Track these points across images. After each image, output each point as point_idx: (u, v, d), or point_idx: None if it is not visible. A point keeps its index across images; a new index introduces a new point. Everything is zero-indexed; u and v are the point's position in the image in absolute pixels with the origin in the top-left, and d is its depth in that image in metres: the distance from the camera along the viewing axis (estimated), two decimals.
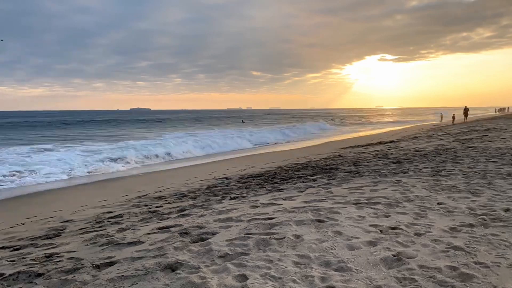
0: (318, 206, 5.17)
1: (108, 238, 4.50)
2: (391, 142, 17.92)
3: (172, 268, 3.30)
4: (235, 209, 5.53)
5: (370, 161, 10.45)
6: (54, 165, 15.39)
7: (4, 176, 13.19)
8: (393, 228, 4.15)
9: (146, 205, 7.02)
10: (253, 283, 2.90)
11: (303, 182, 7.95)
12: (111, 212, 6.73)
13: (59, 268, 3.56)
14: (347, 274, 3.06)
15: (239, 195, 7.10)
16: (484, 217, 4.51)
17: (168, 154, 20.20)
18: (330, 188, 6.80)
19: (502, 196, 5.55)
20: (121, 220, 5.81)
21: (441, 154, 10.62)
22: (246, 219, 4.72)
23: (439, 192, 5.92)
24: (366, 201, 5.41)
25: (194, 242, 4.00)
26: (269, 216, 4.76)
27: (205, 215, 5.34)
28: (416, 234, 3.97)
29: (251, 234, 4.09)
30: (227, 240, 3.92)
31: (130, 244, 4.17)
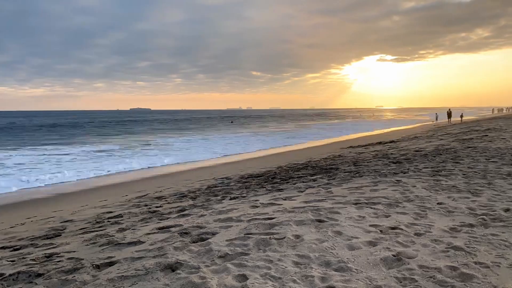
0: (318, 206, 5.17)
1: (108, 238, 4.50)
2: (391, 142, 17.92)
3: (172, 268, 3.30)
4: (235, 209, 5.52)
5: (370, 161, 10.45)
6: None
7: None
8: (393, 228, 4.15)
9: (146, 205, 7.02)
10: (253, 283, 2.90)
11: (303, 182, 7.95)
12: (111, 212, 6.73)
13: (59, 268, 3.56)
14: (347, 274, 3.06)
15: (239, 195, 7.10)
16: (484, 217, 4.51)
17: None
18: (330, 188, 6.80)
19: (502, 196, 5.55)
20: (121, 220, 5.81)
21: (441, 154, 10.62)
22: (246, 219, 4.72)
23: (439, 192, 5.92)
24: (366, 201, 5.41)
25: (194, 242, 3.99)
26: (269, 216, 4.76)
27: (205, 215, 5.34)
28: (416, 234, 3.97)
29: (251, 234, 4.09)
30: (227, 240, 3.92)
31: (130, 244, 4.17)
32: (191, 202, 6.82)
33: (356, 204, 5.30)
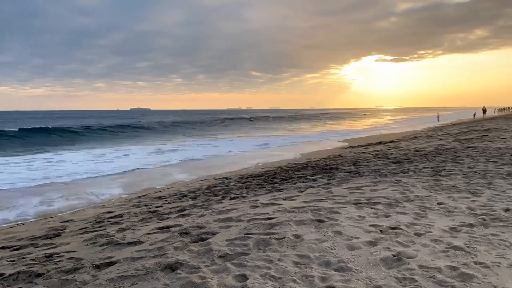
0: (318, 206, 5.17)
1: (108, 238, 4.50)
2: (391, 142, 17.93)
3: (172, 268, 3.30)
4: (235, 209, 5.52)
5: (370, 161, 10.46)
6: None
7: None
8: (393, 228, 4.15)
9: (146, 205, 7.02)
10: (253, 283, 2.90)
11: (303, 182, 7.95)
12: (111, 212, 6.73)
13: (59, 268, 3.56)
14: (347, 274, 3.06)
15: (239, 195, 7.10)
16: (484, 217, 4.51)
17: None
18: (330, 188, 6.80)
19: (502, 196, 5.55)
20: (121, 220, 5.82)
21: (441, 154, 10.62)
22: (246, 219, 4.72)
23: (439, 192, 5.92)
24: (366, 201, 5.41)
25: (194, 242, 3.99)
26: (269, 216, 4.76)
27: (205, 215, 5.34)
28: (416, 234, 3.97)
29: (251, 234, 4.09)
30: (227, 240, 3.92)
31: (130, 244, 4.17)
32: (191, 202, 6.82)
33: (356, 204, 5.30)
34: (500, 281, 2.88)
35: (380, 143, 17.98)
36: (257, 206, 5.56)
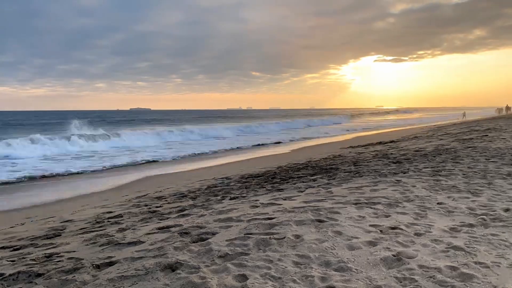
0: (318, 206, 5.17)
1: (108, 238, 4.50)
2: (391, 142, 17.92)
3: (172, 268, 3.30)
4: (235, 209, 5.52)
5: (370, 161, 10.46)
6: None
7: None
8: (393, 228, 4.15)
9: (146, 205, 7.01)
10: (253, 283, 2.90)
11: (303, 182, 7.95)
12: (111, 212, 6.73)
13: (59, 268, 3.56)
14: (347, 274, 3.06)
15: (239, 195, 7.10)
16: (484, 217, 4.51)
17: None
18: (330, 188, 6.80)
19: (502, 196, 5.55)
20: (121, 220, 5.81)
21: (441, 154, 10.62)
22: (246, 219, 4.72)
23: (439, 192, 5.92)
24: (366, 201, 5.41)
25: (194, 242, 4.00)
26: (269, 216, 4.76)
27: (205, 215, 5.34)
28: (416, 234, 3.97)
29: (251, 234, 4.09)
30: (227, 240, 3.92)
31: (130, 244, 4.17)
32: (191, 202, 6.81)
33: (356, 204, 5.30)
34: (500, 281, 2.88)
35: (380, 143, 17.98)
36: (257, 206, 5.56)
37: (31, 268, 3.60)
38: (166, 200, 7.38)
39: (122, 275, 3.20)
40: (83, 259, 3.78)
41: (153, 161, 17.81)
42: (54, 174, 13.80)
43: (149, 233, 4.56)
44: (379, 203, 5.30)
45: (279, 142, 27.03)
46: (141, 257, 3.62)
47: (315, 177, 8.52)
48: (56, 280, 3.26)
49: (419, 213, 4.76)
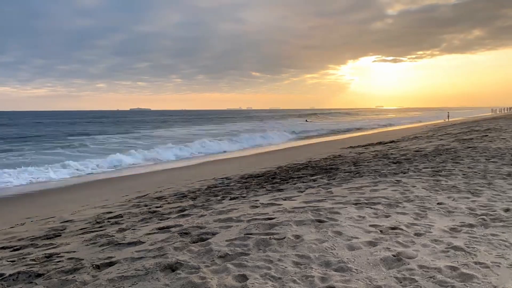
0: (318, 206, 5.17)
1: (108, 238, 4.50)
2: (391, 142, 17.92)
3: (172, 268, 3.30)
4: (235, 209, 5.52)
5: (370, 161, 10.45)
6: None
7: None
8: (393, 228, 4.15)
9: (146, 205, 7.02)
10: (253, 283, 2.90)
11: (303, 182, 7.95)
12: (111, 212, 6.73)
13: (59, 268, 3.55)
14: (347, 274, 3.06)
15: (239, 195, 7.10)
16: (484, 217, 4.51)
17: None
18: (330, 188, 6.80)
19: (502, 196, 5.55)
20: (121, 220, 5.81)
21: (441, 154, 10.62)
22: (246, 219, 4.72)
23: (439, 192, 5.92)
24: (366, 201, 5.41)
25: (194, 242, 4.00)
26: (269, 216, 4.76)
27: (205, 215, 5.34)
28: (416, 234, 3.97)
29: (251, 234, 4.09)
30: (227, 240, 3.92)
31: (130, 244, 4.17)
32: (191, 202, 6.81)
33: (356, 204, 5.30)
34: (500, 281, 2.88)
35: (380, 143, 17.98)
36: (257, 206, 5.56)
37: (31, 268, 3.60)
38: (166, 200, 7.38)
39: (122, 275, 3.20)
40: (83, 259, 3.78)
41: None
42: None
43: (149, 233, 4.56)
44: (379, 203, 5.30)
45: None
46: (141, 257, 3.62)
47: (315, 177, 8.52)
48: (56, 280, 3.26)
49: (419, 213, 4.76)
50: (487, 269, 3.08)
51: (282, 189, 7.26)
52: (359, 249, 3.56)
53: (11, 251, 4.56)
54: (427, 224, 4.30)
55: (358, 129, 44.32)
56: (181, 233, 4.36)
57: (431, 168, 8.32)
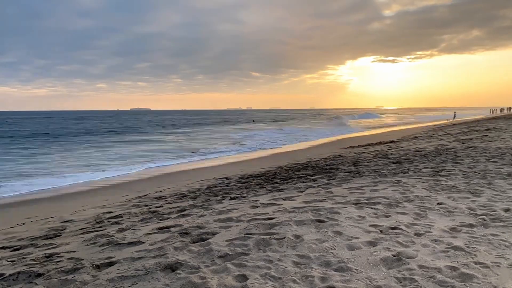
0: (318, 206, 5.17)
1: (108, 238, 4.50)
2: (391, 142, 17.92)
3: (172, 268, 3.30)
4: (235, 209, 5.53)
5: (370, 161, 10.46)
6: None
7: None
8: (393, 228, 4.15)
9: (146, 205, 7.02)
10: (253, 283, 2.90)
11: (303, 182, 7.95)
12: (111, 212, 6.73)
13: (59, 268, 3.56)
14: (347, 274, 3.06)
15: (239, 195, 7.10)
16: (484, 217, 4.51)
17: None
18: (330, 188, 6.80)
19: (502, 196, 5.55)
20: (121, 220, 5.82)
21: (441, 154, 10.62)
22: (246, 219, 4.72)
23: (439, 192, 5.92)
24: (366, 201, 5.41)
25: (194, 242, 4.00)
26: (269, 216, 4.76)
27: (205, 215, 5.34)
28: (416, 234, 3.97)
29: (251, 234, 4.09)
30: (227, 240, 3.92)
31: (130, 244, 4.17)
32: (191, 202, 6.82)
33: (356, 204, 5.30)
34: (500, 281, 2.88)
35: (380, 143, 17.98)
36: (257, 206, 5.57)
37: (31, 268, 3.60)
38: (166, 200, 7.38)
39: (122, 275, 3.20)
40: (83, 259, 3.78)
41: None
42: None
43: (149, 233, 4.56)
44: (379, 203, 5.30)
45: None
46: (141, 257, 3.62)
47: (315, 177, 8.52)
48: (56, 280, 3.26)
49: (419, 213, 4.76)
50: (487, 269, 3.08)
51: (282, 189, 7.26)
52: (359, 249, 3.56)
53: (11, 251, 4.56)
54: (427, 224, 4.30)
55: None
56: (181, 233, 4.36)
57: (431, 168, 8.32)
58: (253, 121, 72.29)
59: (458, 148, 11.96)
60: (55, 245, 4.57)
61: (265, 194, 6.89)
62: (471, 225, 4.24)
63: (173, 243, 3.97)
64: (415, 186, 6.44)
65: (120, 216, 6.15)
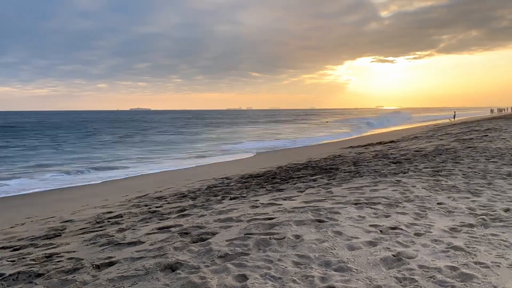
0: (318, 206, 5.17)
1: (108, 238, 4.50)
2: (391, 142, 17.92)
3: (172, 268, 3.30)
4: (235, 209, 5.53)
5: (370, 161, 10.46)
6: None
7: None
8: (393, 228, 4.15)
9: (146, 205, 7.02)
10: (253, 283, 2.90)
11: (303, 182, 7.95)
12: (111, 212, 6.73)
13: (59, 268, 3.56)
14: (347, 274, 3.06)
15: (239, 195, 7.10)
16: (484, 217, 4.51)
17: None
18: (330, 188, 6.80)
19: (502, 196, 5.55)
20: (121, 220, 5.81)
21: (441, 154, 10.62)
22: (246, 219, 4.72)
23: (439, 192, 5.92)
24: (366, 201, 5.41)
25: (194, 242, 4.00)
26: (269, 216, 4.76)
27: (205, 215, 5.34)
28: (416, 234, 3.97)
29: (251, 234, 4.09)
30: (227, 240, 3.92)
31: (130, 244, 4.17)
32: (191, 202, 6.82)
33: (356, 204, 5.30)
34: (500, 281, 2.88)
35: (380, 143, 17.98)
36: (257, 206, 5.56)
37: (31, 268, 3.60)
38: (166, 200, 7.38)
39: (122, 275, 3.20)
40: (83, 259, 3.78)
41: None
42: None
43: (149, 233, 4.56)
44: (379, 203, 5.30)
45: None
46: (141, 257, 3.62)
47: (315, 177, 8.52)
48: (56, 280, 3.26)
49: (419, 213, 4.76)
50: (487, 269, 3.08)
51: (282, 189, 7.26)
52: (359, 249, 3.56)
53: (11, 251, 4.56)
54: (427, 224, 4.30)
55: None
56: (181, 233, 4.36)
57: (431, 168, 8.32)
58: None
59: (458, 148, 11.96)
60: (55, 245, 4.57)
61: (265, 194, 6.89)
62: (471, 225, 4.24)
63: (173, 243, 3.96)
64: (415, 186, 6.44)
65: (120, 216, 6.15)
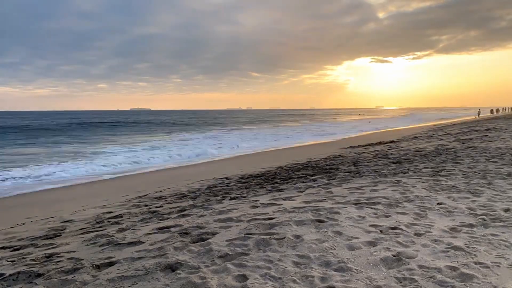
0: (318, 206, 5.17)
1: (108, 238, 4.50)
2: (391, 142, 17.92)
3: (172, 268, 3.30)
4: (235, 209, 5.53)
5: (370, 161, 10.46)
6: None
7: None
8: (393, 228, 4.15)
9: (146, 205, 7.02)
10: (253, 283, 2.90)
11: (303, 182, 7.95)
12: (111, 212, 6.73)
13: (59, 268, 3.56)
14: (347, 274, 3.06)
15: (239, 195, 7.10)
16: (484, 217, 4.51)
17: None
18: (330, 188, 6.80)
19: (502, 196, 5.55)
20: (121, 220, 5.81)
21: (441, 154, 10.62)
22: (246, 219, 4.72)
23: (439, 192, 5.92)
24: (366, 201, 5.41)
25: (194, 242, 4.00)
26: (269, 216, 4.76)
27: (205, 215, 5.34)
28: (416, 234, 3.97)
29: (251, 234, 4.09)
30: (227, 240, 3.92)
31: (130, 244, 4.17)
32: (191, 202, 6.82)
33: (356, 204, 5.30)
34: (500, 281, 2.88)
35: (380, 143, 17.98)
36: (257, 206, 5.57)
37: (31, 268, 3.60)
38: (166, 200, 7.38)
39: (122, 275, 3.20)
40: (83, 259, 3.78)
41: None
42: None
43: (149, 233, 4.56)
44: (379, 203, 5.30)
45: None
46: (141, 257, 3.62)
47: (315, 177, 8.52)
48: (56, 280, 3.26)
49: (419, 213, 4.76)
50: (487, 269, 3.08)
51: (282, 189, 7.26)
52: (359, 249, 3.56)
53: (11, 251, 4.56)
54: (427, 224, 4.30)
55: None
56: (181, 233, 4.36)
57: (431, 168, 8.32)
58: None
59: (458, 148, 11.96)
60: (55, 245, 4.57)
61: (265, 194, 6.89)
62: (471, 225, 4.24)
63: (173, 243, 3.97)
64: (415, 186, 6.44)
65: (120, 216, 6.15)
